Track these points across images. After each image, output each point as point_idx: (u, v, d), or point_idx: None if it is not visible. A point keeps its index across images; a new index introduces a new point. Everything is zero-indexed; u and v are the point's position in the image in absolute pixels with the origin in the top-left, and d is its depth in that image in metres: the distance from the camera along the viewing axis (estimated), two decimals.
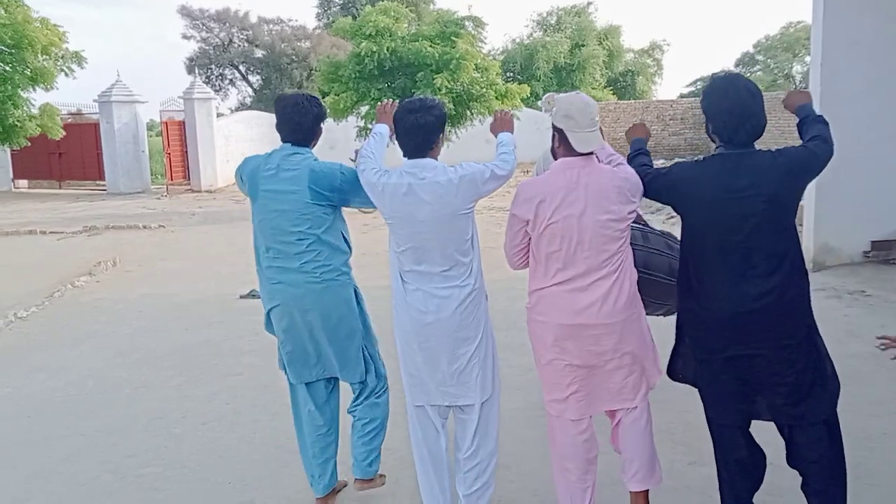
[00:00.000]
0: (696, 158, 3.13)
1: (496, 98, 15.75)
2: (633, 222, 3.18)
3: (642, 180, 3.13)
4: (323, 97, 18.40)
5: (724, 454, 3.10)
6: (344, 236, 3.49)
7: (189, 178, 21.77)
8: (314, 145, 3.54)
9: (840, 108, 6.98)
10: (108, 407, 5.12)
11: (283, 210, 3.35)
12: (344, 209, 3.49)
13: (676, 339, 3.18)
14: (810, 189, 7.49)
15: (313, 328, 3.42)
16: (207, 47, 37.10)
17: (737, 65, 44.40)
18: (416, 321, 3.18)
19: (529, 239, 3.12)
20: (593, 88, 32.24)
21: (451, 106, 14.80)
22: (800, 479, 2.99)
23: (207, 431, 4.67)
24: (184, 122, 21.64)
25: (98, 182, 22.39)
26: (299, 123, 3.42)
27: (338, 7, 36.35)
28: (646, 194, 3.15)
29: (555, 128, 3.10)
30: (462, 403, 3.27)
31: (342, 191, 3.37)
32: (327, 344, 3.45)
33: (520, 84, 17.17)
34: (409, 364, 3.28)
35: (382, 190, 3.16)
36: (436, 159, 3.20)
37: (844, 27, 7.79)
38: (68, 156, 22.31)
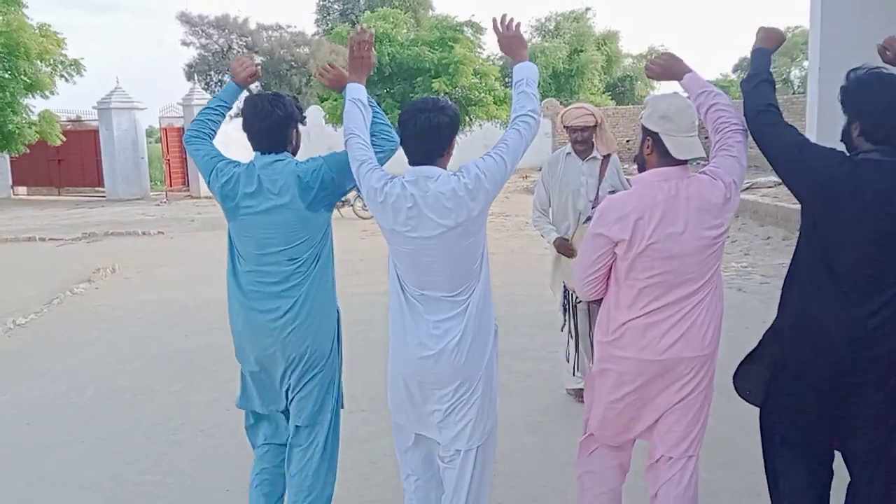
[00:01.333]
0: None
1: (495, 103, 15.80)
2: None
3: (755, 119, 2.72)
4: (322, 102, 18.47)
5: None
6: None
7: (188, 185, 21.77)
8: (293, 151, 3.16)
9: (838, 112, 6.98)
10: (109, 413, 5.11)
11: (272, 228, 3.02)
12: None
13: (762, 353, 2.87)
14: None
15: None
16: (207, 54, 37.15)
17: (735, 70, 44.53)
18: (414, 352, 2.78)
19: (612, 264, 2.74)
20: (592, 94, 32.28)
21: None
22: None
23: (207, 438, 4.67)
24: (183, 129, 21.63)
25: (97, 189, 22.42)
26: (260, 129, 3.04)
27: (337, 13, 36.43)
28: (757, 141, 2.72)
29: (647, 131, 2.73)
30: (444, 443, 2.85)
31: (333, 180, 3.02)
32: None
33: None
34: (396, 395, 2.92)
35: (384, 200, 2.71)
36: (445, 168, 2.77)
37: (843, 32, 7.80)
38: (67, 162, 22.32)
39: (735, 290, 7.87)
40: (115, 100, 21.24)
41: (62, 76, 16.63)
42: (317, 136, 23.15)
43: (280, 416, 3.30)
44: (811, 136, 7.18)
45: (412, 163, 2.76)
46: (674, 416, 2.79)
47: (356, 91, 3.00)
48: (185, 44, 37.59)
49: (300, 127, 3.21)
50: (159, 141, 22.91)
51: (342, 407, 3.32)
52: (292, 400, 3.17)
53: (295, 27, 43.37)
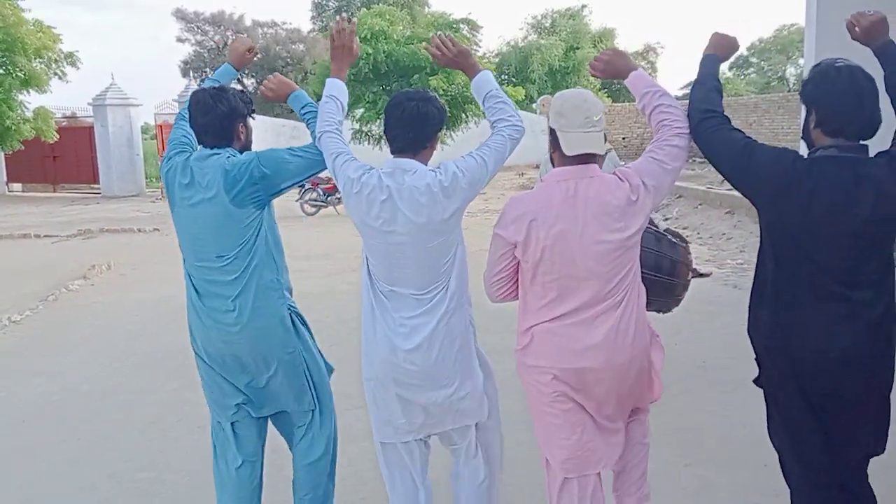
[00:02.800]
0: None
1: None
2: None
3: (698, 126, 2.61)
4: (318, 99, 18.35)
5: None
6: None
7: None
8: (241, 147, 3.06)
9: None
10: (104, 411, 5.11)
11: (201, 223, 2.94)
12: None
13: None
14: None
15: None
16: (202, 50, 37.13)
17: (731, 67, 44.51)
18: (389, 354, 2.72)
19: (517, 266, 2.66)
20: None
21: (447, 108, 14.86)
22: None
23: (203, 435, 4.64)
24: None
25: (92, 185, 22.38)
26: (203, 124, 2.95)
27: (332, 11, 36.36)
28: (701, 148, 2.61)
29: (549, 131, 2.67)
30: (450, 427, 2.85)
31: (264, 176, 2.89)
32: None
33: (515, 87, 17.22)
34: (379, 399, 2.84)
35: (360, 191, 2.65)
36: (425, 163, 2.71)
37: (838, 30, 7.76)
38: (62, 159, 22.26)
39: (731, 286, 7.89)
40: (110, 96, 21.20)
41: (56, 74, 16.57)
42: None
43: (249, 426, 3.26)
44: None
45: (395, 151, 2.72)
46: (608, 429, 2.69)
47: (336, 88, 2.94)
48: (180, 40, 37.74)
49: (250, 121, 3.12)
50: (155, 138, 22.87)
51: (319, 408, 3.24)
52: (262, 403, 3.15)
53: (290, 24, 43.27)
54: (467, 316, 2.82)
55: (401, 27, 16.48)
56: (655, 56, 38.31)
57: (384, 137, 2.83)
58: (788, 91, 33.76)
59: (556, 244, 2.51)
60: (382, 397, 2.80)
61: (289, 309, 3.09)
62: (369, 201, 2.63)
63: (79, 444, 4.59)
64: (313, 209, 15.19)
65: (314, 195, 14.93)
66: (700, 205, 13.38)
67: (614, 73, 2.89)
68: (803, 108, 2.55)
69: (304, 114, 3.09)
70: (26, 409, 5.21)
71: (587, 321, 2.54)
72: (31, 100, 16.81)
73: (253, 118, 3.13)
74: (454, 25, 16.49)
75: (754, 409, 2.94)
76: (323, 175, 4.01)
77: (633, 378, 2.65)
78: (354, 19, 3.17)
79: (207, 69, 36.73)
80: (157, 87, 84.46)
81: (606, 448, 2.69)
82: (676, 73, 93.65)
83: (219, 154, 2.95)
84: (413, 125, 2.67)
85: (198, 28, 37.13)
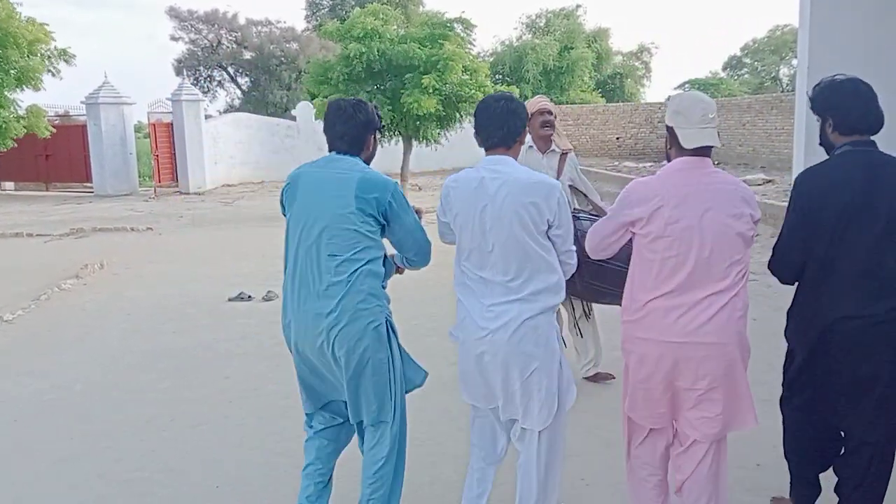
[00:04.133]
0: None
1: None
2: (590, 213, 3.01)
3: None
4: (312, 99, 18.41)
5: None
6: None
7: (177, 181, 21.68)
8: (367, 159, 3.23)
9: None
10: (97, 411, 5.09)
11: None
12: None
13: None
14: None
15: None
16: (196, 49, 37.01)
17: (724, 67, 44.69)
18: (474, 332, 3.00)
19: (623, 236, 2.94)
20: (582, 91, 32.33)
21: (440, 107, 14.86)
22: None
23: (196, 435, 4.65)
24: (172, 124, 21.55)
25: (85, 184, 22.25)
26: (342, 132, 3.14)
27: (326, 9, 36.31)
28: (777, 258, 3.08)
29: (666, 128, 2.93)
30: (516, 419, 3.08)
31: (386, 212, 3.08)
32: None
33: (509, 86, 17.22)
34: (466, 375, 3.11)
35: (457, 185, 3.03)
36: (515, 158, 3.05)
37: (831, 30, 7.83)
38: (55, 158, 22.14)
39: None
40: (103, 95, 21.10)
41: (50, 71, 16.47)
42: (306, 133, 23.22)
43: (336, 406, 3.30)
44: (800, 134, 7.20)
45: (488, 147, 3.04)
46: (702, 402, 2.84)
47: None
48: (174, 39, 37.50)
49: (377, 135, 3.31)
50: (148, 136, 22.80)
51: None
52: (349, 401, 3.14)
53: (284, 22, 43.22)
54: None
55: (394, 26, 16.44)
56: (650, 56, 38.37)
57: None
58: (782, 91, 33.89)
59: (678, 224, 2.72)
60: (474, 366, 3.04)
61: (386, 318, 3.14)
62: (462, 193, 2.99)
63: (71, 443, 4.58)
64: None
65: None
66: None
67: None
68: (817, 119, 3.01)
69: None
70: (18, 409, 5.18)
71: (701, 301, 2.74)
72: (24, 97, 16.71)
73: (381, 133, 3.35)
74: (448, 25, 16.46)
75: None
76: None
77: (729, 363, 2.79)
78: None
79: (201, 67, 36.69)
80: (151, 85, 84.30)
81: (696, 421, 2.87)
82: (670, 74, 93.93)
83: (350, 157, 3.13)
84: (504, 122, 2.99)
85: (191, 27, 36.99)
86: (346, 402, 3.17)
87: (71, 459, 4.36)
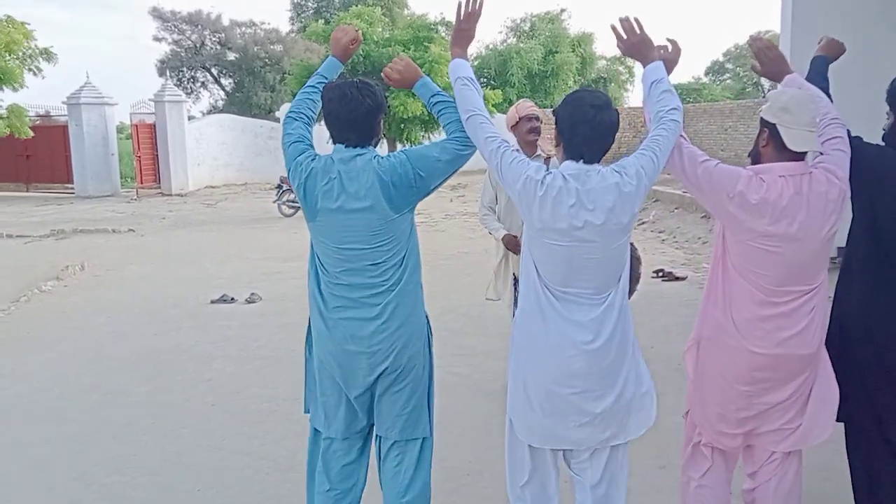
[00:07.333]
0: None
1: None
2: None
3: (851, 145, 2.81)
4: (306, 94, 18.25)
5: None
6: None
7: (159, 182, 21.55)
8: (376, 144, 2.89)
9: None
10: (76, 414, 5.03)
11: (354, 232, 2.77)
12: None
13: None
14: None
15: None
16: (179, 49, 36.77)
17: (707, 72, 44.96)
18: (554, 354, 2.60)
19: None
20: (567, 95, 32.39)
21: (426, 110, 14.88)
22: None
23: (176, 439, 4.61)
24: (154, 125, 21.43)
25: (66, 185, 22.08)
26: (350, 121, 2.74)
27: (311, 11, 36.22)
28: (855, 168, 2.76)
29: (764, 123, 2.69)
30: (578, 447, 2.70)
31: (420, 178, 2.75)
32: None
33: (494, 90, 17.24)
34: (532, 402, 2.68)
35: (545, 193, 2.50)
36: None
37: (813, 36, 7.87)
38: (36, 158, 21.96)
39: None
40: (84, 95, 20.94)
41: (31, 69, 16.33)
42: None
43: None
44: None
45: (583, 160, 2.56)
46: (781, 413, 2.80)
47: (463, 69, 2.77)
48: (157, 39, 37.27)
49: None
50: (130, 137, 22.65)
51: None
52: (380, 413, 2.95)
53: (269, 24, 43.03)
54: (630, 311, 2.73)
55: (380, 29, 16.47)
56: (633, 61, 38.51)
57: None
58: (763, 97, 34.15)
59: (777, 236, 2.59)
60: (547, 398, 2.64)
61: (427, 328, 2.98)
62: (556, 203, 2.49)
63: (48, 446, 4.52)
64: (291, 210, 15.11)
65: (292, 196, 14.82)
66: (676, 209, 13.48)
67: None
68: (888, 113, 2.98)
69: (435, 104, 2.88)
70: None
71: (793, 310, 2.66)
72: (4, 97, 16.55)
73: (387, 114, 2.98)
74: (432, 28, 16.49)
75: None
76: None
77: (809, 372, 2.76)
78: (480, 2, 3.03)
79: (184, 68, 36.43)
80: (133, 86, 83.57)
81: (770, 432, 2.83)
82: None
83: (362, 154, 2.77)
84: (604, 137, 2.57)
85: (175, 27, 36.75)
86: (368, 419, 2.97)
87: (49, 463, 4.30)
